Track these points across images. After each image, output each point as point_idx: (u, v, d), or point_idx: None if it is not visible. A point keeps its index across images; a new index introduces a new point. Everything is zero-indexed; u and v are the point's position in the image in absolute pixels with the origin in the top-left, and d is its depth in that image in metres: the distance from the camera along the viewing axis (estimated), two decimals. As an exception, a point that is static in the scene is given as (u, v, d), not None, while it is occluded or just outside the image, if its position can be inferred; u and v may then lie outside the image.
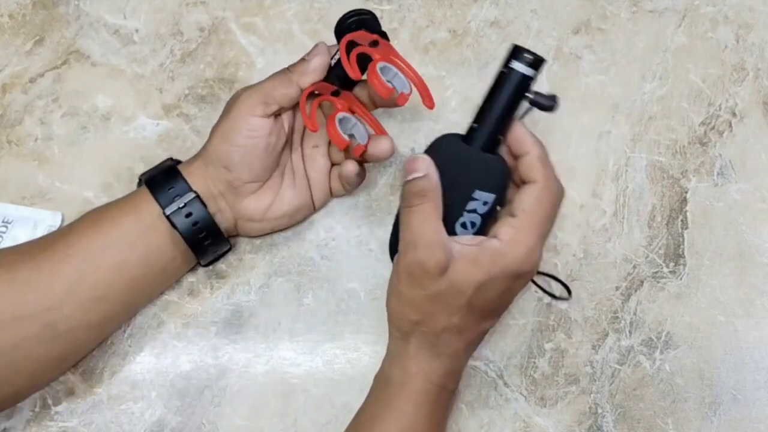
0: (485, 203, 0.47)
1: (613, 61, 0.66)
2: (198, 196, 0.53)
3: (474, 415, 0.56)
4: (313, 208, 0.59)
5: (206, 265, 0.58)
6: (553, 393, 0.56)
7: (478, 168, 0.47)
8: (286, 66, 0.54)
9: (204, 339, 0.57)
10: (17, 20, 0.67)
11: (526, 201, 0.46)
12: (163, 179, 0.53)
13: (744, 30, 0.68)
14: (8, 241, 0.57)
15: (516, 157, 0.48)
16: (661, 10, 0.68)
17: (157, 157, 0.61)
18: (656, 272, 0.59)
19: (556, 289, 0.59)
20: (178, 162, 0.56)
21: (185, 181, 0.53)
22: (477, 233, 0.48)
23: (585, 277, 0.59)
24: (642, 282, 0.59)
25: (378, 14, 0.68)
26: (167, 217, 0.52)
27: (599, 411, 0.56)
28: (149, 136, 0.63)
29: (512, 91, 0.46)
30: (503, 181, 0.47)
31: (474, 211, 0.47)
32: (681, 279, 0.59)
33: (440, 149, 0.48)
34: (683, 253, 0.60)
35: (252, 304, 0.58)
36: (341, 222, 0.60)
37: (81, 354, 0.54)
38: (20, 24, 0.66)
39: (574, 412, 0.56)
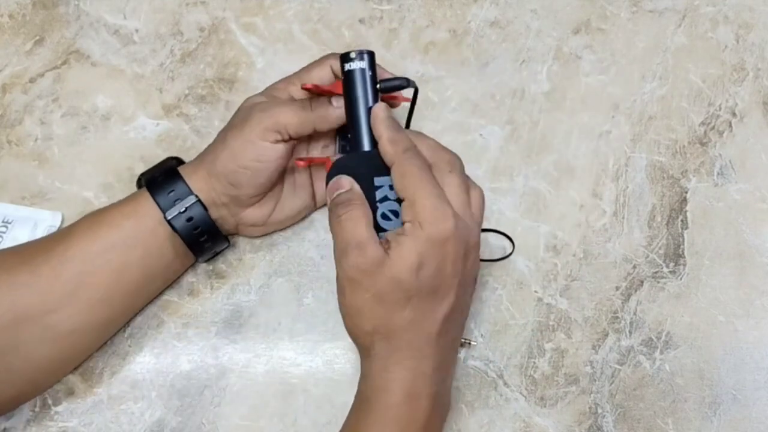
0: (390, 187, 0.48)
1: (613, 61, 0.66)
2: (199, 200, 0.53)
3: (474, 415, 0.56)
4: (314, 206, 0.59)
5: (205, 261, 0.58)
6: (553, 393, 0.56)
7: (366, 163, 0.49)
8: (308, 97, 0.53)
9: (204, 339, 0.57)
10: (17, 20, 0.67)
11: (398, 181, 0.47)
12: (163, 181, 0.53)
13: (744, 30, 0.68)
14: (8, 241, 0.57)
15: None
16: (661, 10, 0.68)
17: (157, 157, 0.61)
18: (656, 272, 0.59)
19: (497, 250, 0.59)
20: (179, 162, 0.56)
21: (186, 184, 0.53)
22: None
23: (585, 277, 0.59)
24: (642, 282, 0.59)
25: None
26: (168, 222, 0.52)
27: (599, 411, 0.56)
28: (149, 136, 0.63)
29: (357, 86, 0.50)
30: None
31: (386, 198, 0.48)
32: (681, 279, 0.59)
33: (334, 169, 0.49)
34: (683, 253, 0.60)
35: (252, 304, 0.58)
36: (341, 222, 0.60)
37: (82, 357, 0.55)
38: (20, 24, 0.66)
39: (574, 412, 0.56)
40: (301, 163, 0.54)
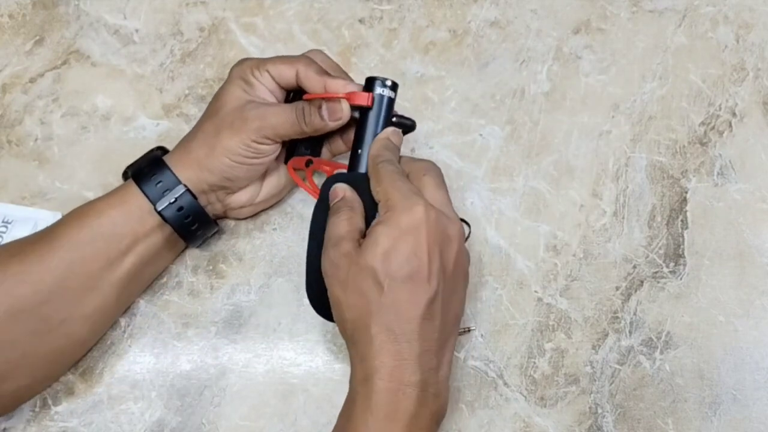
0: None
1: (613, 61, 0.66)
2: (188, 190, 0.53)
3: (474, 415, 0.56)
4: None
5: (196, 247, 0.59)
6: (553, 393, 0.56)
7: (367, 184, 0.51)
8: (303, 105, 0.54)
9: (204, 339, 0.57)
10: (17, 20, 0.67)
11: (374, 187, 0.51)
12: (150, 172, 0.53)
13: (744, 30, 0.68)
14: (8, 241, 0.57)
15: None
16: (661, 10, 0.68)
17: (157, 157, 0.61)
18: (656, 272, 0.59)
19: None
20: (164, 151, 0.56)
21: (173, 174, 0.53)
22: None
23: (585, 277, 0.59)
24: (642, 282, 0.59)
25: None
26: (159, 213, 0.52)
27: (599, 411, 0.56)
28: (149, 136, 0.63)
29: (383, 113, 0.53)
30: None
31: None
32: (681, 279, 0.59)
33: (332, 180, 0.52)
34: (683, 253, 0.60)
35: (252, 304, 0.58)
36: (341, 222, 0.60)
37: (78, 350, 0.55)
38: (20, 24, 0.66)
39: (574, 412, 0.56)
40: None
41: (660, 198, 0.62)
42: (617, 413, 0.56)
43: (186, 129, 0.63)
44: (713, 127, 0.64)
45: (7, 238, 0.57)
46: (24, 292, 0.49)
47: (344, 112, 0.53)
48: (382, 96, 0.53)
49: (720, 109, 0.65)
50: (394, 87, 0.53)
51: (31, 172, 0.61)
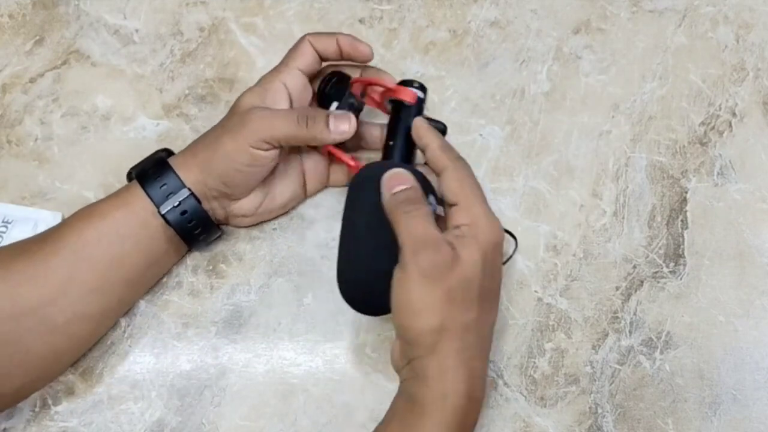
0: (430, 204, 0.50)
1: (613, 61, 0.66)
2: (192, 194, 0.53)
3: (474, 415, 0.56)
4: (304, 196, 0.60)
5: (198, 250, 0.59)
6: (553, 393, 0.56)
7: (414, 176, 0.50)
8: (308, 111, 0.54)
9: (204, 339, 0.57)
10: (17, 20, 0.67)
11: (453, 186, 0.49)
12: (154, 174, 0.53)
13: (744, 30, 0.68)
14: (8, 242, 0.57)
15: (422, 152, 0.52)
16: (661, 10, 0.68)
17: (157, 157, 0.61)
18: (656, 272, 0.59)
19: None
20: (169, 153, 0.56)
21: (178, 178, 0.53)
22: None
23: (585, 277, 0.59)
24: (642, 282, 0.59)
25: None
26: (163, 216, 0.52)
27: (599, 411, 0.56)
28: (149, 136, 0.63)
29: (415, 110, 0.55)
30: (430, 183, 0.51)
31: None
32: (681, 279, 0.59)
33: (374, 172, 0.51)
34: (683, 253, 0.60)
35: (252, 304, 0.58)
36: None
37: (80, 349, 0.54)
38: (20, 24, 0.66)
39: (574, 412, 0.56)
40: (327, 153, 0.58)
41: (660, 198, 0.62)
42: (617, 413, 0.56)
43: (186, 129, 0.63)
44: (713, 127, 0.64)
45: (7, 239, 0.57)
46: (27, 292, 0.49)
47: (351, 126, 0.53)
48: (419, 96, 0.55)
49: (720, 109, 0.65)
50: (424, 89, 0.55)
51: (31, 172, 0.61)
